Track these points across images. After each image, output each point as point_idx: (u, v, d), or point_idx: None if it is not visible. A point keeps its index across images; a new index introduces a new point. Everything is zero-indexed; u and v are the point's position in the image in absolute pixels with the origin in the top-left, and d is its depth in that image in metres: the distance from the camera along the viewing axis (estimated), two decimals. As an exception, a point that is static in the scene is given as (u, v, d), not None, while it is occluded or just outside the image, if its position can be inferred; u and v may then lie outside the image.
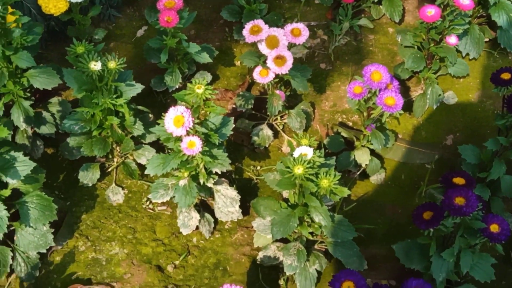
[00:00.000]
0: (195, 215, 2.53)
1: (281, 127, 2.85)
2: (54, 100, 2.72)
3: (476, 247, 2.03)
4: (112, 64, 2.32)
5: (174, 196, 2.44)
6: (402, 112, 2.38)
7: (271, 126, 2.82)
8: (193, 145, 2.20)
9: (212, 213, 2.59)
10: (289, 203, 2.35)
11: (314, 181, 2.15)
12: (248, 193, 2.67)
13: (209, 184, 2.48)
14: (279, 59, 2.52)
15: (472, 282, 2.33)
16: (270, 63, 2.53)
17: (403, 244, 2.16)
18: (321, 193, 2.22)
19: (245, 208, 2.63)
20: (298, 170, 2.13)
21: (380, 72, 2.33)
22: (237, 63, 3.05)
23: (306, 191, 2.22)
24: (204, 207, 2.61)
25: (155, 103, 2.87)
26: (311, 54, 3.08)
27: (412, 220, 2.09)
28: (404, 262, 2.15)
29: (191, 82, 2.21)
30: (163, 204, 2.67)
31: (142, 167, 2.70)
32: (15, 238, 2.42)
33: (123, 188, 2.69)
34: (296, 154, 2.19)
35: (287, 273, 2.34)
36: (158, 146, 2.59)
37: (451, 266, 2.07)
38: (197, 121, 2.24)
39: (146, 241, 2.58)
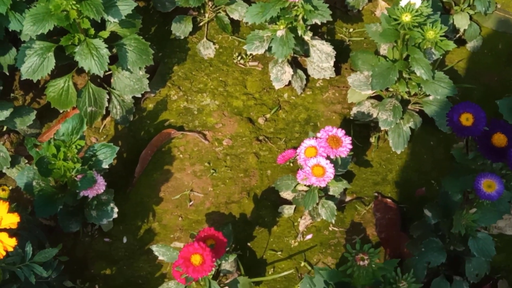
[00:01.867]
0: (289, 70, 2.51)
1: (377, -11, 2.78)
2: None
3: None
4: None
5: (270, 47, 2.41)
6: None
7: (367, -13, 2.75)
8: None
9: (304, 70, 2.57)
10: (387, 59, 2.31)
11: (420, 31, 2.11)
12: (340, 54, 2.62)
13: (306, 37, 2.45)
14: None
15: None
16: None
17: (508, 100, 2.11)
18: (425, 46, 2.17)
19: (337, 67, 2.60)
20: (406, 17, 2.08)
21: None
22: None
23: (410, 42, 2.18)
24: (296, 64, 2.58)
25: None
26: None
27: None
28: (507, 119, 2.11)
29: None
30: (254, 59, 2.65)
31: (234, 23, 2.67)
32: (111, 81, 2.45)
33: (214, 43, 2.67)
34: (403, 3, 2.14)
35: (382, 128, 2.33)
36: (250, 3, 2.55)
37: None
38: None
39: (237, 94, 2.58)
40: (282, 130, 2.51)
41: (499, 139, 1.64)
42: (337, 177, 2.16)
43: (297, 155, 2.06)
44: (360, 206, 2.36)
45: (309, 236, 2.31)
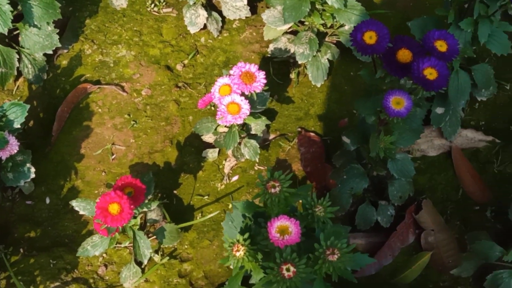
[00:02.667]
0: (203, 13, 2.46)
1: None
2: None
3: (495, 16, 1.97)
4: None
5: (179, -10, 2.36)
6: None
7: None
8: None
9: (219, 12, 2.52)
10: (300, -9, 2.27)
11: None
12: (255, -8, 2.58)
13: (215, -23, 2.40)
14: None
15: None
16: None
17: (419, 21, 2.10)
18: (334, -27, 2.14)
19: (253, 6, 2.55)
20: None
21: None
22: None
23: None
24: (210, 7, 2.53)
25: None
26: None
27: None
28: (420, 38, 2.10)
29: None
30: (168, 6, 2.59)
31: (144, -31, 2.60)
32: (19, 39, 2.36)
33: (125, -7, 2.59)
34: None
35: (299, 62, 2.30)
36: None
37: (468, 37, 2.02)
38: None
39: (153, 43, 2.52)
40: (201, 74, 2.47)
41: (403, 54, 1.63)
42: (255, 114, 2.13)
43: (212, 94, 2.03)
44: (284, 143, 2.34)
45: (235, 178, 2.29)
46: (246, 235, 1.51)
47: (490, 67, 2.24)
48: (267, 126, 2.36)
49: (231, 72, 2.01)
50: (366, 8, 2.25)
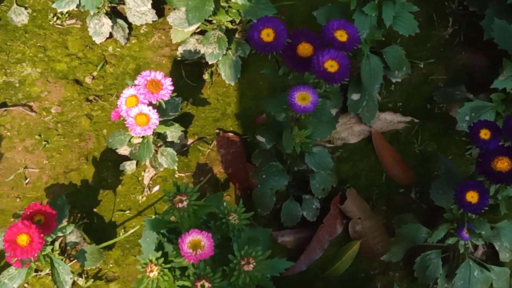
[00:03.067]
0: (107, 21, 2.38)
1: None
2: None
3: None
4: None
5: (80, 0, 2.27)
6: None
7: None
8: None
9: (125, 19, 2.44)
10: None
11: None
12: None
13: (114, -17, 2.32)
14: None
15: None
16: None
17: (324, 9, 2.07)
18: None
19: (159, 9, 2.48)
20: None
21: None
22: None
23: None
24: (115, 14, 2.45)
25: None
26: None
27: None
28: (325, 27, 2.07)
29: None
30: (71, 17, 2.49)
31: (42, -17, 2.50)
32: None
33: (26, 8, 2.49)
34: None
35: (210, 62, 2.24)
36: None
37: (374, 21, 1.99)
38: None
39: (59, 57, 2.43)
40: (112, 85, 2.39)
41: (304, 48, 1.59)
42: (168, 122, 2.07)
43: (118, 107, 1.96)
44: (204, 146, 2.29)
45: (156, 188, 2.22)
46: (159, 254, 1.46)
47: (401, 48, 2.22)
48: (185, 131, 2.31)
49: (136, 82, 1.94)
50: (273, 0, 2.21)
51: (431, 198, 1.96)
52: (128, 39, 2.45)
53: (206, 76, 2.39)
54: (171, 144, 2.19)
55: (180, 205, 1.44)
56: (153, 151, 2.07)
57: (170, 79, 1.95)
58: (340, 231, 2.14)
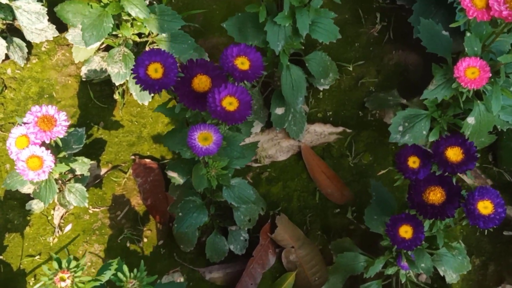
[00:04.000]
0: (1, 42, 2.13)
1: None
2: None
3: (314, 3, 1.75)
4: None
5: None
6: None
7: None
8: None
9: (23, 37, 2.19)
10: (102, 3, 1.98)
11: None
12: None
13: (4, 0, 2.06)
14: None
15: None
16: None
17: (234, 20, 1.86)
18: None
19: (59, 22, 2.23)
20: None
21: None
22: None
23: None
24: (12, 32, 2.20)
25: None
26: None
27: None
28: (239, 40, 1.85)
29: None
30: (-36, 38, 2.23)
31: None
32: None
33: None
34: None
35: (117, 84, 2.02)
36: None
37: (288, 31, 1.79)
38: None
39: (-47, 85, 2.18)
40: (13, 112, 2.15)
41: (200, 82, 1.38)
42: (70, 157, 1.85)
43: (8, 149, 1.73)
44: (119, 176, 2.07)
45: (68, 227, 2.01)
46: None
47: (325, 54, 2.03)
48: (97, 159, 2.09)
49: (25, 120, 1.71)
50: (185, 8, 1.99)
51: (366, 225, 1.78)
52: (28, 59, 2.21)
53: (117, 96, 2.17)
54: (81, 178, 1.97)
55: (63, 284, 1.23)
56: (57, 190, 1.85)
57: (65, 113, 1.72)
58: (273, 261, 1.95)
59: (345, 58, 2.18)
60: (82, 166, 1.93)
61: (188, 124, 1.49)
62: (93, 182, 2.05)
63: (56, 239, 2.00)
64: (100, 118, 2.14)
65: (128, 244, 1.99)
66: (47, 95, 2.18)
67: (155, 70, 1.35)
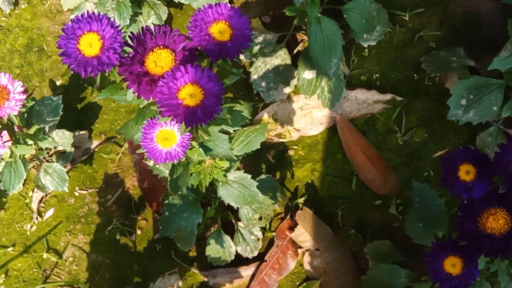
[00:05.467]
0: (-20, -16, 1.77)
1: None
2: None
3: None
4: None
5: None
6: None
7: None
8: None
9: (10, -24, 1.82)
10: None
11: None
12: None
13: None
14: None
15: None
16: None
17: None
18: None
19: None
20: None
21: None
22: None
23: None
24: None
25: None
26: None
27: None
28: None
29: None
30: None
31: None
32: None
33: None
34: None
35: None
36: None
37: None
38: None
39: None
40: (-3, 68, 1.80)
41: (158, 60, 0.96)
42: (38, 135, 1.49)
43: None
44: (114, 150, 1.70)
45: (49, 213, 1.67)
46: None
47: (371, 1, 1.56)
48: (89, 129, 1.73)
49: (-30, 92, 1.35)
50: None
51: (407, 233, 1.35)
52: (16, 3, 1.85)
53: (116, 50, 1.78)
54: (62, 156, 1.62)
55: None
56: (24, 175, 1.50)
57: (21, 83, 1.35)
58: (292, 266, 1.56)
59: (399, 5, 1.71)
60: (66, 138, 1.58)
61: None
62: (82, 157, 1.69)
63: (34, 227, 1.66)
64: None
65: (118, 237, 1.63)
66: (37, 48, 1.81)
67: (89, 44, 0.94)
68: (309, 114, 1.66)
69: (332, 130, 1.66)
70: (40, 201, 1.67)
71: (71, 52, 0.94)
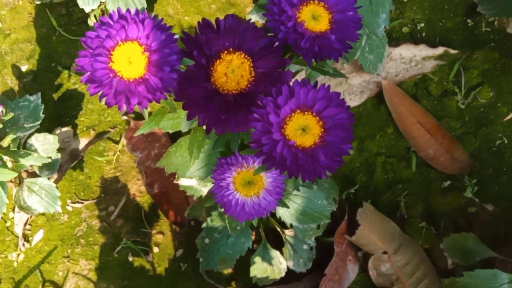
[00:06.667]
0: None
1: None
2: None
3: None
4: None
5: None
6: None
7: None
8: None
9: None
10: None
11: None
12: None
13: None
14: None
15: None
16: None
17: None
18: None
19: None
20: None
21: None
22: None
23: None
24: None
25: None
26: None
27: None
28: None
29: None
30: None
31: None
32: None
33: None
34: None
35: (87, 10, 1.27)
36: None
37: None
38: None
39: None
40: None
41: (228, 70, 0.63)
42: (25, 151, 1.14)
43: None
44: (108, 148, 1.37)
45: (38, 236, 1.34)
46: None
47: None
48: (72, 125, 1.38)
49: None
50: None
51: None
52: (-45, -29, 1.45)
53: (93, 21, 1.42)
54: (47, 165, 1.28)
55: None
56: (6, 200, 1.16)
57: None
58: (355, 274, 1.27)
59: None
60: (50, 143, 1.24)
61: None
62: (70, 162, 1.35)
63: (22, 256, 1.33)
64: (71, 57, 1.41)
65: (130, 258, 1.32)
66: (-11, 27, 1.44)
67: (128, 61, 0.60)
68: (346, 81, 1.35)
69: (377, 99, 1.35)
70: (26, 223, 1.33)
71: (101, 76, 0.60)
